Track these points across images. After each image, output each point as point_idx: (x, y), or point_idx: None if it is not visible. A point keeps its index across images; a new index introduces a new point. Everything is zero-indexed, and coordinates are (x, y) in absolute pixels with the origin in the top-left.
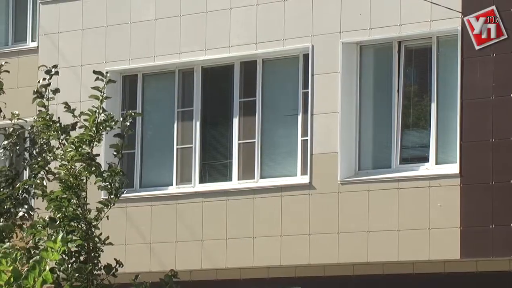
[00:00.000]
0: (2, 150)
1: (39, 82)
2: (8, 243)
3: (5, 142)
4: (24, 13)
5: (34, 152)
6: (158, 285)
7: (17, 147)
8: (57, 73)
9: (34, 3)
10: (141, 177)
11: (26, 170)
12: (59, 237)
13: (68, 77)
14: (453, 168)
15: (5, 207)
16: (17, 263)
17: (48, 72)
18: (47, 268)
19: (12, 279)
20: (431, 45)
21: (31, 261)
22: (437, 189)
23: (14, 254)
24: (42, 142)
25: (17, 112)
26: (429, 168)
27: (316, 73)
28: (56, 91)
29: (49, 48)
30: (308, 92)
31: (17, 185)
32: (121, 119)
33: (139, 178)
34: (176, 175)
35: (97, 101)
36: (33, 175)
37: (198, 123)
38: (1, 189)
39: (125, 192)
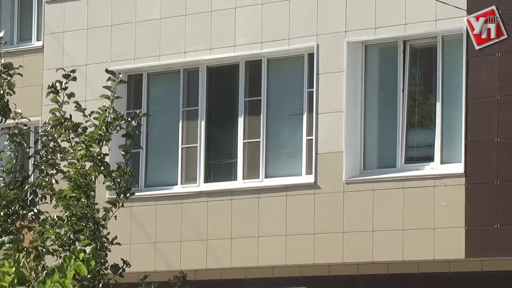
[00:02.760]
0: (7, 150)
1: (52, 84)
2: (8, 245)
3: (7, 143)
4: (29, 12)
5: (45, 151)
6: (163, 284)
7: (23, 147)
8: (74, 78)
9: (39, 2)
10: (146, 177)
11: (34, 171)
12: (89, 248)
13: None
14: (458, 167)
15: (12, 208)
16: (20, 264)
17: (66, 76)
18: (69, 275)
19: (15, 281)
20: (436, 44)
21: (52, 265)
22: (442, 188)
23: (17, 256)
24: (53, 140)
25: (19, 111)
26: (434, 167)
27: (321, 72)
28: (71, 95)
29: (54, 47)
30: (313, 91)
31: (26, 187)
32: (129, 119)
33: (144, 178)
34: (181, 174)
35: (102, 101)
36: (42, 175)
37: (203, 123)
38: (10, 191)
39: (134, 193)
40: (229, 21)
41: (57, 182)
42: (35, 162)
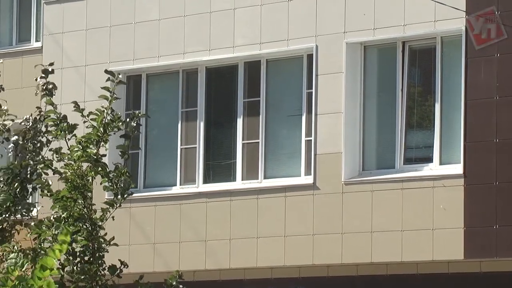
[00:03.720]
0: (12, 145)
1: (36, 79)
2: (15, 253)
3: (14, 139)
4: (28, 13)
5: (40, 150)
6: (162, 285)
7: (26, 146)
8: (52, 71)
9: (38, 3)
10: (145, 177)
11: (27, 168)
12: (65, 230)
13: (72, 77)
14: (457, 168)
15: (5, 206)
16: (23, 269)
17: (45, 71)
18: (54, 268)
19: (18, 285)
20: (435, 45)
21: (39, 261)
22: (441, 189)
23: (21, 262)
24: (49, 140)
25: (5, 108)
26: (433, 168)
27: (320, 73)
28: (53, 88)
29: (53, 48)
30: (312, 92)
31: (15, 184)
32: (128, 120)
33: (143, 178)
34: (180, 175)
35: (101, 101)
36: (36, 175)
37: (202, 123)
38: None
39: (132, 194)
40: (228, 22)
41: (46, 174)
42: (31, 161)
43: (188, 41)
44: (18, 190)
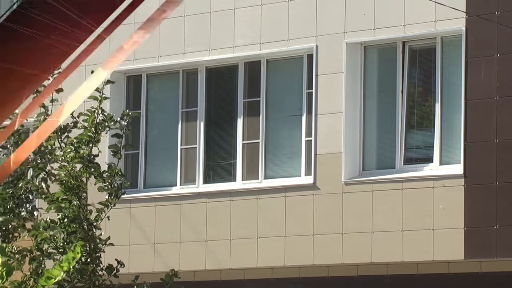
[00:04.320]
0: (1, 149)
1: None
2: None
3: (4, 142)
4: None
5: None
6: (161, 285)
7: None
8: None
9: None
10: (145, 177)
11: (29, 170)
12: (78, 248)
13: (72, 77)
14: (457, 168)
15: (8, 206)
16: (5, 251)
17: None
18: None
19: (4, 274)
20: (435, 46)
21: (43, 277)
22: (441, 189)
23: (2, 249)
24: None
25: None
26: (433, 168)
27: (320, 73)
28: (59, 90)
29: None
30: (312, 92)
31: (20, 185)
32: (119, 119)
33: (143, 178)
34: (180, 175)
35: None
36: (35, 176)
37: (202, 124)
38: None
39: (126, 193)
40: (228, 22)
41: (48, 185)
42: (28, 161)
43: (188, 41)
44: (21, 192)
